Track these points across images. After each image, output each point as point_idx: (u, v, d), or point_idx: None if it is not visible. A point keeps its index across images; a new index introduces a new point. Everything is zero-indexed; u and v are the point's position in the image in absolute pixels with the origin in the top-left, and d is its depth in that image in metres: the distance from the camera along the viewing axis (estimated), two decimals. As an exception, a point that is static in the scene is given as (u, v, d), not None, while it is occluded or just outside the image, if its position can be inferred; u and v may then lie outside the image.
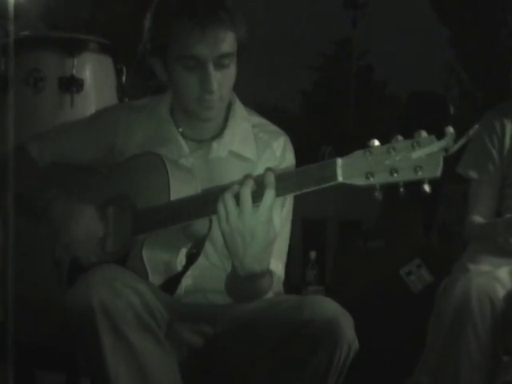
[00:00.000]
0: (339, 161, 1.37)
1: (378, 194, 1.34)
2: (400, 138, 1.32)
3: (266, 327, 1.57)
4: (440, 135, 1.29)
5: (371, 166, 1.33)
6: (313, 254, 3.52)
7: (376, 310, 2.89)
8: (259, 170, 1.75)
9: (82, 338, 1.50)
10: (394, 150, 1.32)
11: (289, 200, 1.80)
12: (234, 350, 1.62)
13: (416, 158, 1.30)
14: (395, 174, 1.31)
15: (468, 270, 2.08)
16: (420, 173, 1.29)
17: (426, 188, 1.30)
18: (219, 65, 1.68)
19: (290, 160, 1.84)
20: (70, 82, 2.79)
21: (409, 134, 1.32)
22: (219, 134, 1.81)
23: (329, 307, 1.53)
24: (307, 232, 3.89)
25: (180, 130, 1.82)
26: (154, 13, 1.72)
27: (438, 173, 1.29)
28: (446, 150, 1.29)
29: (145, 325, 1.47)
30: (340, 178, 1.36)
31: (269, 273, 1.60)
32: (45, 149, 1.93)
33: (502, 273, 2.07)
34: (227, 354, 1.64)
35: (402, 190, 1.32)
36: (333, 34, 18.74)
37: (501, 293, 2.01)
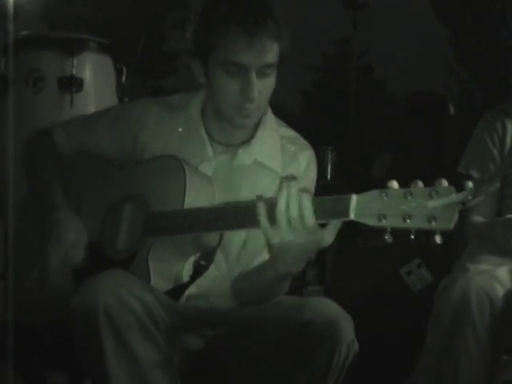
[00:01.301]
0: (354, 198, 1.34)
1: (388, 237, 1.31)
2: (420, 183, 1.29)
3: (266, 328, 1.57)
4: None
5: (385, 208, 1.31)
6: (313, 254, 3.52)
7: (376, 309, 2.89)
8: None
9: (84, 342, 1.51)
10: (410, 195, 1.29)
11: None
12: (234, 351, 1.62)
13: (432, 207, 1.26)
14: (408, 221, 1.28)
15: (467, 269, 2.08)
16: (433, 223, 1.26)
17: (438, 239, 1.26)
18: (261, 74, 1.66)
19: (312, 175, 1.83)
20: (70, 81, 2.79)
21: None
22: (247, 141, 1.79)
23: (329, 308, 1.53)
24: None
25: (208, 131, 1.80)
26: (201, 15, 1.70)
27: (452, 226, 1.25)
28: (463, 203, 1.26)
29: (147, 332, 1.48)
30: (352, 216, 1.34)
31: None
32: (70, 137, 1.92)
33: (502, 272, 2.07)
34: (228, 355, 1.64)
35: (412, 237, 1.29)
36: (333, 33, 18.73)
37: (500, 292, 2.01)
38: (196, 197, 1.63)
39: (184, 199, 1.61)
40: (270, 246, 1.52)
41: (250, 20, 1.62)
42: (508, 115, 2.38)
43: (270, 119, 1.84)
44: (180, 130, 1.81)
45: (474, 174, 2.37)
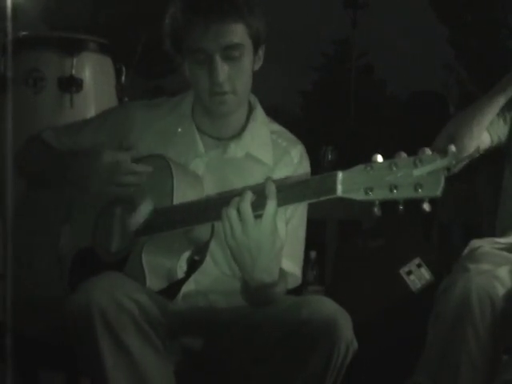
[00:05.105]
0: (340, 174, 1.36)
1: (377, 210, 1.33)
2: (403, 154, 1.31)
3: (264, 327, 1.57)
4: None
5: (371, 181, 1.32)
6: (313, 254, 3.52)
7: (376, 309, 2.88)
8: (276, 175, 1.77)
9: (81, 345, 1.51)
10: (395, 166, 1.30)
11: (303, 203, 1.79)
12: (232, 351, 1.62)
13: (417, 175, 1.28)
14: (395, 191, 1.30)
15: (468, 269, 2.08)
16: (420, 191, 1.28)
17: (426, 207, 1.28)
18: (228, 57, 1.68)
19: (306, 168, 1.84)
20: (70, 81, 2.80)
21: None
22: (238, 134, 1.80)
23: (327, 307, 1.53)
24: (307, 232, 3.89)
25: (198, 126, 1.81)
26: (169, 10, 1.76)
27: (439, 192, 1.27)
28: (448, 168, 1.27)
29: (144, 335, 1.49)
30: (339, 192, 1.35)
31: (282, 278, 1.62)
32: (61, 140, 1.93)
33: (502, 272, 2.07)
34: (226, 355, 1.64)
35: (401, 207, 1.31)
36: (333, 34, 18.71)
37: (501, 292, 2.00)
38: (184, 193, 1.64)
39: (172, 196, 1.62)
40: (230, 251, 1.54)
41: (204, 6, 1.65)
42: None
43: (260, 113, 1.85)
44: (179, 130, 1.82)
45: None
